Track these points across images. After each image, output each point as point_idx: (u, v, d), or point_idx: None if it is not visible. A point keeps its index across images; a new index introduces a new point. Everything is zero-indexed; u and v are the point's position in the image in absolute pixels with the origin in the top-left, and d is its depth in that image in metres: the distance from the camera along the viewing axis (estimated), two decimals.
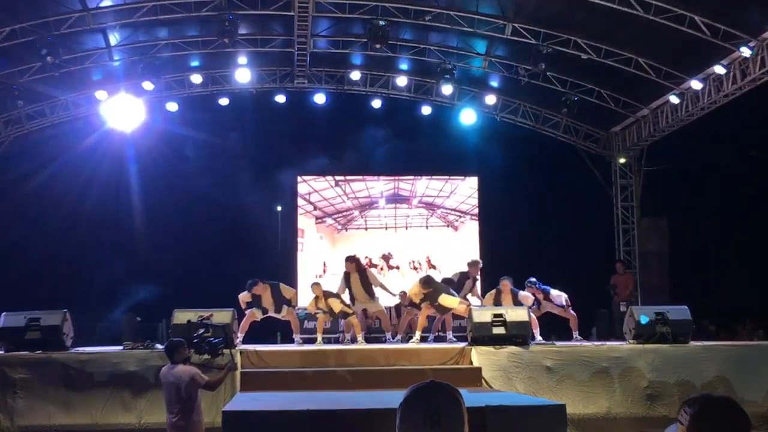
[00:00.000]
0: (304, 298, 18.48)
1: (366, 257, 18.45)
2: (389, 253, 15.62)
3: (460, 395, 2.93)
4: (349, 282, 13.72)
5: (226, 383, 10.04)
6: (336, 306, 13.29)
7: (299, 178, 19.79)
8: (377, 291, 14.02)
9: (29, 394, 10.29)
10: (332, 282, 14.78)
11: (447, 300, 12.81)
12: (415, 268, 18.77)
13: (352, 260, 13.93)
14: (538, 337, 13.11)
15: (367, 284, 13.77)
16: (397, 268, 19.25)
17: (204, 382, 8.01)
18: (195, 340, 8.88)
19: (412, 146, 19.56)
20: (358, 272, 13.78)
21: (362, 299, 13.80)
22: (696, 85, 16.37)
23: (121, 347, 11.52)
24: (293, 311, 13.34)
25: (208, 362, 8.68)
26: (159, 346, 10.78)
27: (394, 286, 15.38)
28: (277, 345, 13.33)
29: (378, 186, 20.04)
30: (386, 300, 15.94)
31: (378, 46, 16.56)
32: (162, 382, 8.13)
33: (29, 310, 11.10)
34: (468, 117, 19.63)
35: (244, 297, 12.92)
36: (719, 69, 15.62)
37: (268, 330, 13.94)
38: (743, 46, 14.64)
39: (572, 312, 13.37)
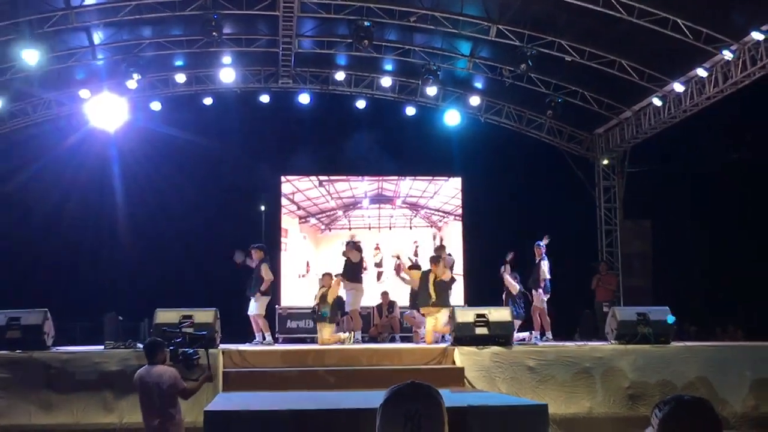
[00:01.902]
0: (288, 297, 18.56)
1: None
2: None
3: (441, 396, 2.90)
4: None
5: (208, 384, 10.00)
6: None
7: (283, 178, 19.74)
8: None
9: (9, 394, 10.19)
10: (314, 281, 14.82)
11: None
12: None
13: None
14: (550, 337, 13.43)
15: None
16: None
17: (182, 387, 7.76)
18: (170, 348, 8.65)
19: (396, 147, 19.56)
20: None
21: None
22: (678, 87, 16.46)
23: (102, 347, 11.44)
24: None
25: (183, 374, 8.37)
26: (141, 346, 10.71)
27: (375, 288, 15.54)
28: (261, 345, 13.30)
29: (362, 186, 20.02)
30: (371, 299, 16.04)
31: (363, 45, 16.52)
32: (139, 384, 7.76)
33: (9, 309, 11.01)
34: (452, 118, 19.66)
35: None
36: (701, 72, 15.71)
37: (249, 329, 13.89)
38: (725, 50, 14.73)
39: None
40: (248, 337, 13.93)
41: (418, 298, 13.62)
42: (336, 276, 14.01)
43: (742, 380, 11.20)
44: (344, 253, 14.50)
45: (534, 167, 19.88)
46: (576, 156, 20.61)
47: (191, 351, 8.78)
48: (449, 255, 14.98)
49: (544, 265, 14.24)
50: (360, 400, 7.27)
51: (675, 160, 18.68)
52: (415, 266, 15.41)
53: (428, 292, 13.22)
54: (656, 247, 19.69)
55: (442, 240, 18.94)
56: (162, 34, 17.31)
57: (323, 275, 14.29)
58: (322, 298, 13.72)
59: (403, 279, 15.50)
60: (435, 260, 13.58)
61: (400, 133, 19.72)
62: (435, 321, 13.09)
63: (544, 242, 14.47)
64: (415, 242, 19.49)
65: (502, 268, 14.35)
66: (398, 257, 15.96)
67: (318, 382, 10.45)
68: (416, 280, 13.81)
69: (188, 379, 8.14)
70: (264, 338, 13.64)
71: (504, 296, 14.49)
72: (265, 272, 13.62)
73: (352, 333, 13.77)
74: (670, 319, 11.90)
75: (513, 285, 14.16)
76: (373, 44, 16.85)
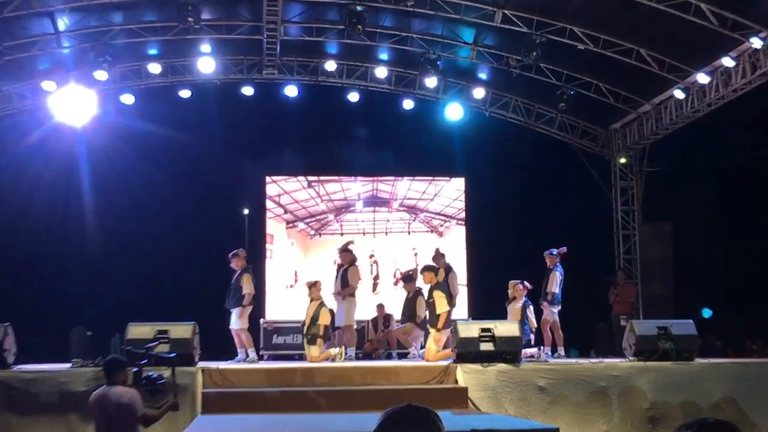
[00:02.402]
0: (274, 309, 18.55)
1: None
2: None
3: (440, 420, 2.90)
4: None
5: (185, 405, 9.98)
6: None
7: (268, 179, 19.74)
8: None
9: None
10: (303, 292, 14.79)
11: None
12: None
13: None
14: (562, 353, 13.45)
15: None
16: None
17: (142, 413, 7.64)
18: (135, 369, 8.57)
19: (392, 144, 19.56)
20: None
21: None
22: (702, 78, 16.46)
23: (69, 365, 11.40)
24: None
25: (147, 400, 8.21)
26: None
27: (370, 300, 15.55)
28: (243, 362, 13.28)
29: (355, 187, 20.02)
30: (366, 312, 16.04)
31: (356, 32, 16.49)
32: (95, 407, 7.62)
33: None
34: (454, 112, 19.65)
35: None
36: (727, 61, 15.71)
37: (231, 345, 13.87)
38: (754, 37, 14.73)
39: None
40: (230, 353, 13.90)
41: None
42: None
43: None
44: (338, 262, 14.53)
45: (544, 166, 19.88)
46: (590, 154, 20.63)
47: (156, 375, 8.74)
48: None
49: (557, 276, 14.16)
50: (352, 424, 7.28)
51: (698, 157, 18.66)
52: (407, 276, 15.43)
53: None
54: (678, 253, 19.68)
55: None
56: (134, 19, 17.28)
57: (311, 286, 14.20)
58: (313, 319, 13.70)
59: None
60: (429, 270, 13.60)
61: (397, 129, 19.71)
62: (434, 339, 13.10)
63: (558, 251, 14.41)
64: (414, 249, 19.50)
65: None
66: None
67: (307, 403, 10.43)
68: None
69: (152, 406, 8.06)
70: (247, 355, 13.61)
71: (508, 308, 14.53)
72: (247, 284, 13.59)
73: (343, 348, 13.75)
74: (706, 312, 11.89)
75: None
76: (367, 31, 16.83)
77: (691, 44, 15.98)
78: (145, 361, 9.31)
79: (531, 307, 14.38)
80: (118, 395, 7.59)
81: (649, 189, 20.30)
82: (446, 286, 13.62)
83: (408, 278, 15.30)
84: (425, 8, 16.61)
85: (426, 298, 13.53)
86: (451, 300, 13.59)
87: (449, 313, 13.19)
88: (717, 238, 19.11)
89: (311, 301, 13.99)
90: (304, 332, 13.85)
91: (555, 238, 14.77)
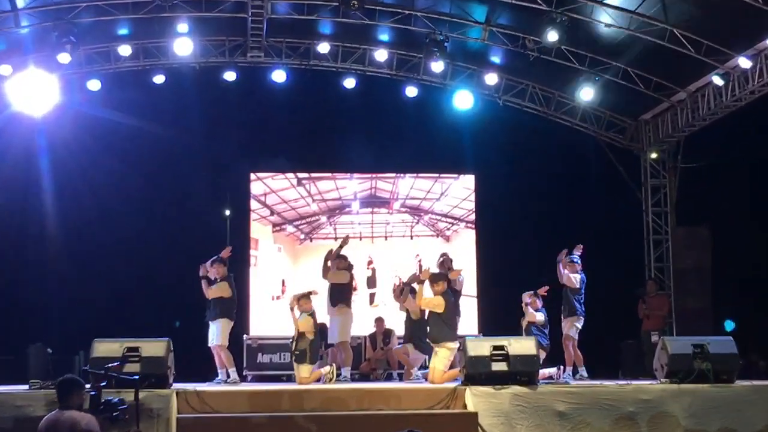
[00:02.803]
0: (258, 324, 18.54)
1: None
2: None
3: None
4: None
5: None
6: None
7: (253, 176, 19.72)
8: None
9: None
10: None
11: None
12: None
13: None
14: (584, 374, 13.50)
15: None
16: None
17: None
18: (92, 393, 8.47)
19: (393, 136, 19.56)
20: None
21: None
22: (744, 63, 16.45)
23: (26, 386, 11.41)
24: None
25: (105, 429, 8.08)
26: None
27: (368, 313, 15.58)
28: (224, 384, 13.28)
29: (351, 186, 20.02)
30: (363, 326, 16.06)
31: (352, 8, 16.48)
32: None
33: None
34: (463, 100, 19.64)
35: None
36: None
37: (210, 364, 13.88)
38: None
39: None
40: (209, 374, 13.90)
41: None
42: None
43: None
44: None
45: (564, 162, 19.88)
46: (617, 148, 20.63)
47: (117, 400, 8.49)
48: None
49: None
50: None
51: (740, 153, 18.64)
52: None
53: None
54: (717, 261, 19.68)
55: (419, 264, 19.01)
56: None
57: (301, 297, 14.17)
58: (301, 335, 13.69)
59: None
60: (437, 279, 13.65)
61: (399, 120, 19.73)
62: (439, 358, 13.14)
63: (576, 253, 14.48)
64: (417, 256, 19.50)
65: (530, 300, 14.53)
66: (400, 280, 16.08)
67: (295, 430, 10.43)
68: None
69: None
70: (228, 376, 13.63)
71: (524, 324, 14.55)
72: (221, 288, 13.71)
73: (333, 366, 13.75)
74: (729, 325, 11.91)
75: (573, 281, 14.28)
76: (365, 8, 16.86)
77: (731, 24, 15.97)
78: (104, 383, 9.08)
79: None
80: (72, 421, 7.50)
81: (684, 188, 20.28)
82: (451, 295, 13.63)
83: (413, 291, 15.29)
84: None
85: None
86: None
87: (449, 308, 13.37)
88: (761, 243, 19.10)
89: (300, 313, 13.97)
90: (292, 349, 13.83)
91: (576, 242, 14.76)
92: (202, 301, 13.93)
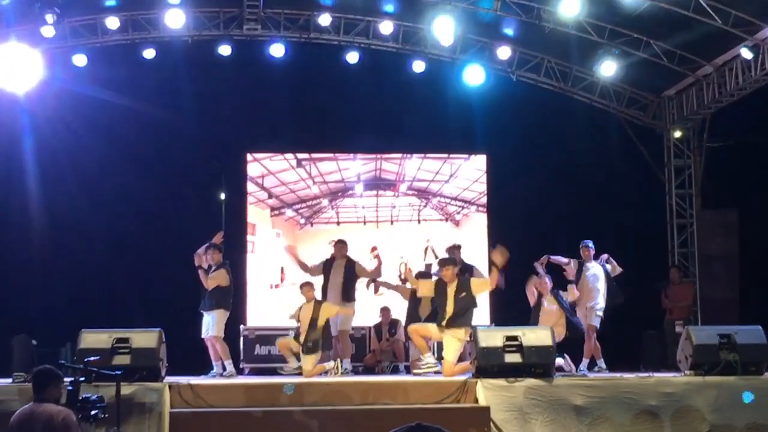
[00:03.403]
0: (256, 314, 18.58)
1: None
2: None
3: None
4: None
5: (150, 428, 10.02)
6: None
7: (249, 156, 19.73)
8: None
9: None
10: (291, 293, 14.87)
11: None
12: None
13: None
14: (603, 366, 13.50)
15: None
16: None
17: None
18: (69, 388, 8.31)
19: (399, 114, 19.54)
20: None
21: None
22: None
23: (9, 380, 11.46)
24: None
25: (82, 429, 8.00)
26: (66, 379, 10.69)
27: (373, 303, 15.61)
28: (219, 377, 13.32)
29: (354, 167, 20.02)
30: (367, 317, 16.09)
31: None
32: (17, 429, 7.44)
33: None
34: (474, 75, 19.60)
35: None
36: None
37: (205, 356, 13.92)
38: None
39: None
40: (203, 367, 13.94)
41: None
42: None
43: None
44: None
45: (582, 141, 19.80)
46: (638, 126, 20.60)
47: (96, 397, 8.38)
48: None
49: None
50: None
51: None
52: (424, 273, 15.46)
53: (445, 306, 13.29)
54: (745, 247, 19.67)
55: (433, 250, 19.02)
56: None
57: (303, 285, 14.26)
58: (312, 323, 13.70)
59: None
60: (446, 263, 13.69)
61: (405, 96, 19.68)
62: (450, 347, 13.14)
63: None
64: (428, 241, 19.50)
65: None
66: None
67: (294, 426, 10.51)
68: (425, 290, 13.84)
69: None
70: (224, 368, 13.66)
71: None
72: (219, 277, 13.76)
73: (339, 361, 13.78)
74: (747, 397, 11.86)
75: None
76: None
77: None
78: (83, 378, 8.94)
79: None
80: (48, 415, 7.44)
81: (710, 169, 20.25)
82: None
83: (424, 275, 15.29)
84: None
85: (456, 294, 13.41)
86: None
87: None
88: None
89: (306, 302, 14.00)
90: (302, 341, 13.78)
91: (595, 227, 14.78)
92: (196, 290, 13.96)
